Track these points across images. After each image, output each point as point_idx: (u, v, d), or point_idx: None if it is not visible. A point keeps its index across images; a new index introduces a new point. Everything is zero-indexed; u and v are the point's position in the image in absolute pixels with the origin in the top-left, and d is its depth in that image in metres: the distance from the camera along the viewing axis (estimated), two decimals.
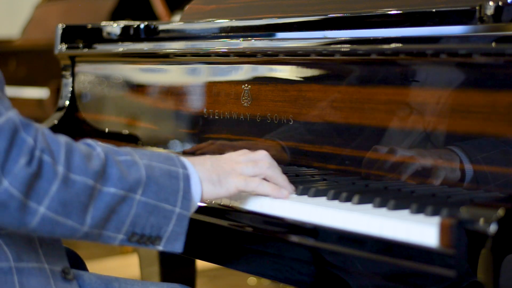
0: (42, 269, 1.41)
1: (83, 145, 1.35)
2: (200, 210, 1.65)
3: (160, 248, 1.39)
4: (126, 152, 1.38)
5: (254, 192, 1.51)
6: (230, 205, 1.59)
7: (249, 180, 1.48)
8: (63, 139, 1.32)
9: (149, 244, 1.38)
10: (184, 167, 1.41)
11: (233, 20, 2.02)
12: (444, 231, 1.22)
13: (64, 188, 1.27)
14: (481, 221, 1.18)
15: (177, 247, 1.40)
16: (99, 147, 1.36)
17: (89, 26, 2.45)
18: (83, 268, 1.72)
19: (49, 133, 1.31)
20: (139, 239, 1.37)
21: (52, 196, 1.27)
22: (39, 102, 4.70)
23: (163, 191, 1.37)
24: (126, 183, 1.33)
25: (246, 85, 1.88)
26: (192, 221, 1.65)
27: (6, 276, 1.36)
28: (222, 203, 1.61)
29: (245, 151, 1.55)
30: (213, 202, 1.63)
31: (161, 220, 1.37)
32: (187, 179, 1.40)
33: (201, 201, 1.45)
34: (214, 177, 1.45)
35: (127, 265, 3.98)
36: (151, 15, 4.82)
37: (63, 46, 2.43)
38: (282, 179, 1.55)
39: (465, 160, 1.46)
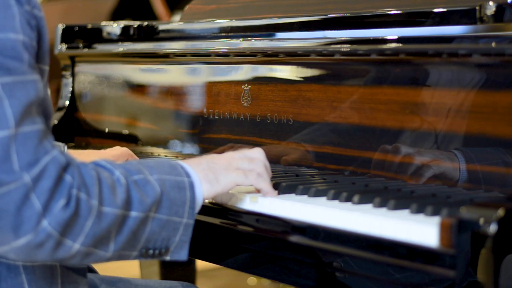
0: None
1: (103, 171, 1.33)
2: (200, 210, 1.65)
3: (167, 258, 1.39)
4: (137, 170, 1.37)
5: (252, 185, 1.51)
6: (230, 205, 1.59)
7: (248, 173, 1.49)
8: (93, 170, 1.30)
9: (159, 257, 1.39)
10: (187, 175, 1.41)
11: (233, 20, 2.02)
12: (444, 231, 1.22)
13: (97, 222, 1.27)
14: (481, 221, 1.18)
15: (183, 255, 1.40)
16: (116, 170, 1.34)
17: (89, 26, 2.44)
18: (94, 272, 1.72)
19: (82, 165, 1.30)
20: (152, 253, 1.37)
21: (87, 232, 1.27)
22: None
23: (174, 205, 1.37)
24: (146, 205, 1.33)
25: (246, 85, 1.88)
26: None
27: None
28: (222, 203, 1.61)
29: (242, 149, 1.56)
30: (213, 202, 1.63)
31: (171, 232, 1.38)
32: (192, 187, 1.40)
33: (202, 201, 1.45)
34: (211, 176, 1.45)
35: (127, 265, 3.97)
36: (151, 15, 4.82)
37: (63, 46, 2.43)
38: (268, 181, 1.55)
39: (463, 162, 1.46)
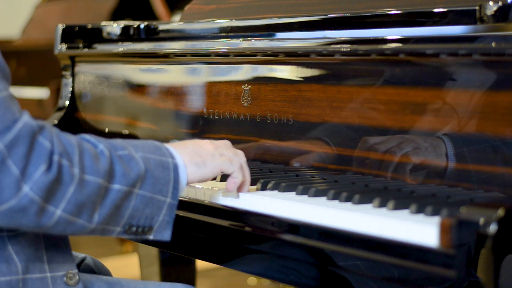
0: (44, 279, 1.41)
1: (86, 143, 1.36)
2: (199, 210, 1.65)
3: (151, 237, 1.42)
4: (122, 146, 1.40)
5: (235, 173, 1.53)
6: (230, 205, 1.59)
7: (233, 160, 1.51)
8: (74, 139, 1.33)
9: (142, 235, 1.41)
10: (172, 156, 1.44)
11: (233, 20, 2.02)
12: (444, 231, 1.22)
13: (79, 189, 1.29)
14: (481, 221, 1.18)
15: (166, 235, 1.43)
16: (101, 144, 1.37)
17: (89, 26, 2.44)
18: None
19: (61, 133, 1.32)
20: (135, 230, 1.40)
21: (69, 199, 1.29)
22: (39, 102, 4.70)
23: (158, 183, 1.40)
24: (129, 179, 1.36)
25: (246, 85, 1.88)
26: (192, 221, 1.65)
27: None
28: (221, 203, 1.61)
29: (225, 141, 1.59)
30: (212, 202, 1.63)
31: (154, 211, 1.40)
32: (176, 168, 1.43)
33: (187, 184, 1.48)
34: (198, 159, 1.48)
35: (127, 265, 3.98)
36: (151, 15, 4.82)
37: (63, 46, 2.43)
38: (248, 176, 1.58)
39: (450, 149, 1.47)
